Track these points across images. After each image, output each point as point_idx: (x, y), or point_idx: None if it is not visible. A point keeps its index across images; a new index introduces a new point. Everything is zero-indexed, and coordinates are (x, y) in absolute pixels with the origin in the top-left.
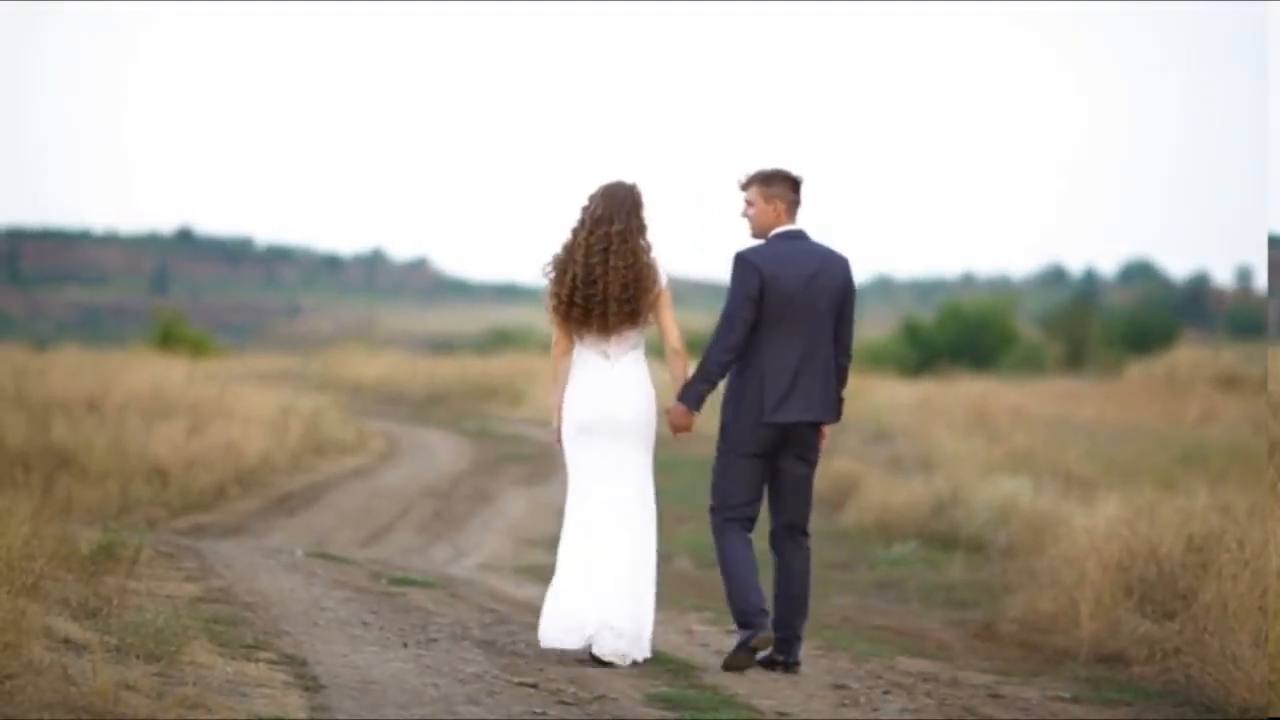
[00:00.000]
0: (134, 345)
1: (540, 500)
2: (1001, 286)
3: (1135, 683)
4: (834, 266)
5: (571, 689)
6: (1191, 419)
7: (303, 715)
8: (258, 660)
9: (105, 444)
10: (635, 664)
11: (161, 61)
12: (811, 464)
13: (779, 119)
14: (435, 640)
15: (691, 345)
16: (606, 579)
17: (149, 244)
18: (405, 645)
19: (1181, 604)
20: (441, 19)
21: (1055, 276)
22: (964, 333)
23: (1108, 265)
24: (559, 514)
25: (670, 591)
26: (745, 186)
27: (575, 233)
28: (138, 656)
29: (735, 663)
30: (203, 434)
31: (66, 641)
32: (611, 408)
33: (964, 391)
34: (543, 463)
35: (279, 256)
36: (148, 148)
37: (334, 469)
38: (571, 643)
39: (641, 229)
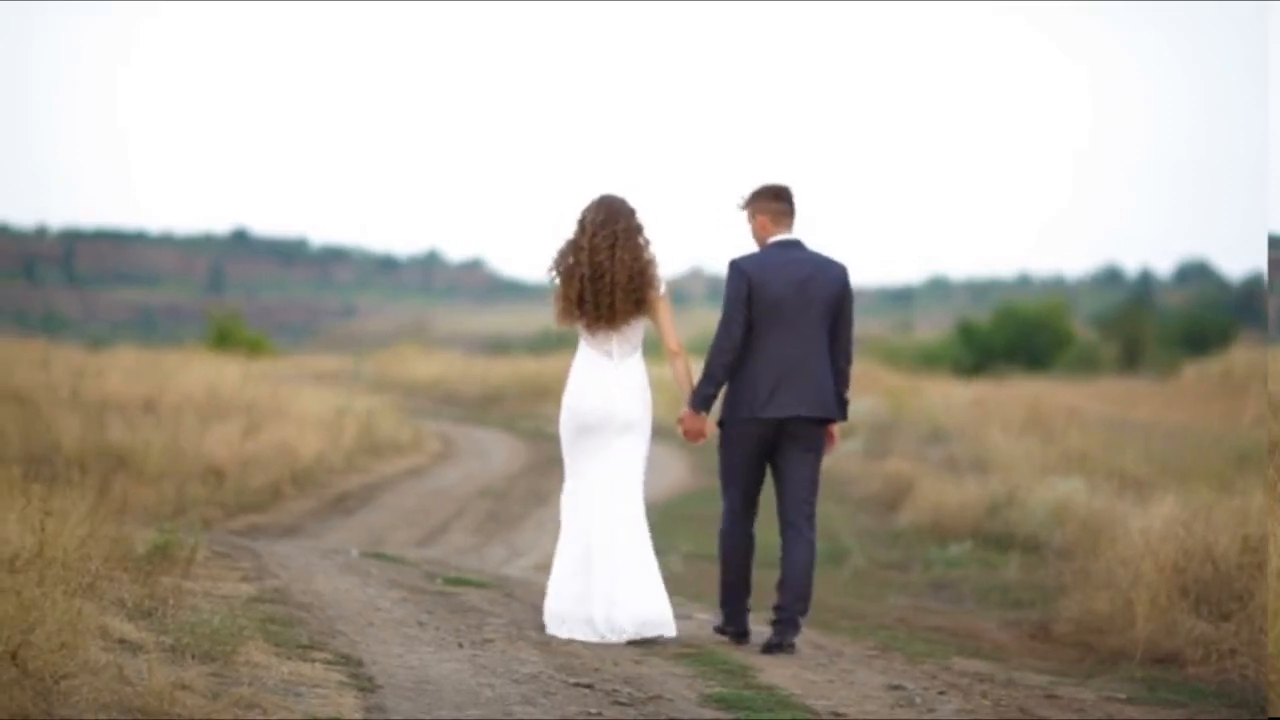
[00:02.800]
0: (189, 345)
1: None
2: (1057, 287)
3: (1191, 683)
4: (827, 274)
5: (627, 689)
6: (1248, 419)
7: (358, 715)
8: (313, 660)
9: (161, 444)
10: (649, 640)
11: (219, 62)
12: (812, 459)
13: (835, 122)
14: (490, 640)
15: None
16: (611, 569)
17: (204, 244)
18: (460, 645)
19: (1237, 605)
20: (498, 18)
21: (1111, 277)
22: (1019, 333)
23: (1164, 265)
24: None
25: None
26: (742, 207)
27: (577, 240)
28: (193, 656)
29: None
30: (258, 434)
31: (122, 641)
32: (612, 404)
33: (1019, 392)
34: None
35: (334, 257)
36: (203, 148)
37: (389, 469)
38: (580, 633)
39: (640, 229)
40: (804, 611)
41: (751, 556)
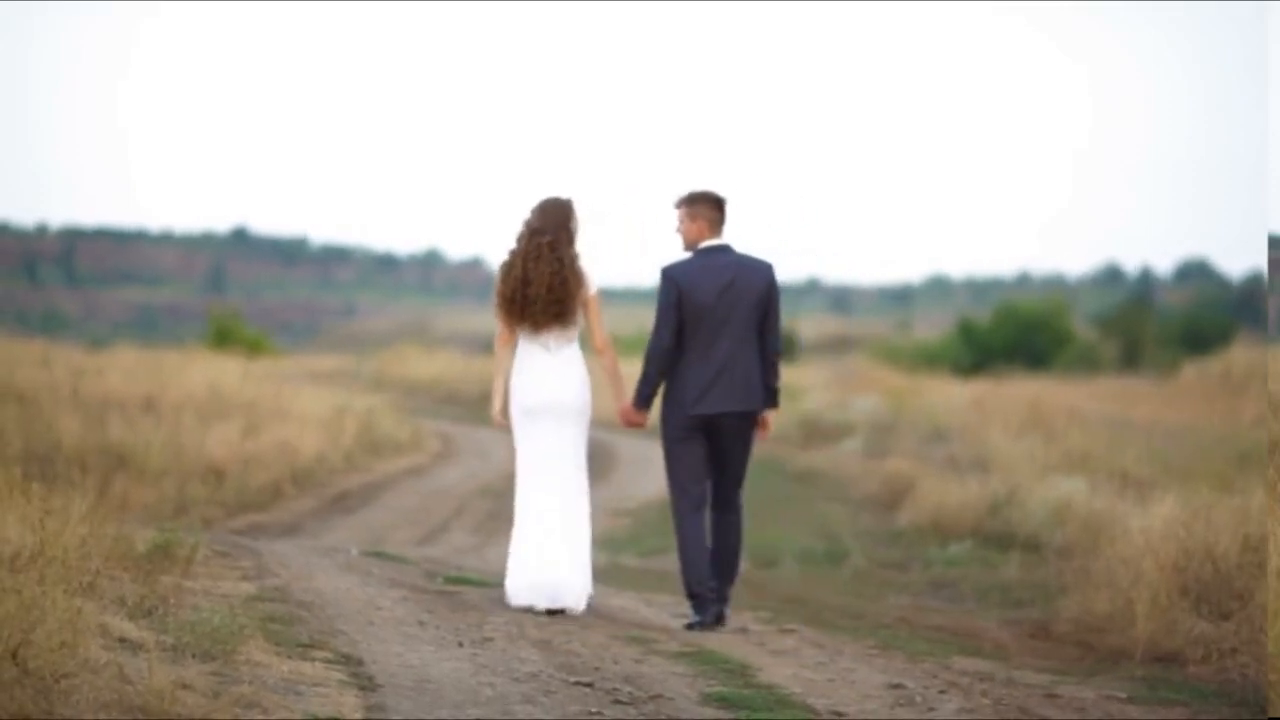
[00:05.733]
0: (190, 345)
1: (595, 500)
2: (1057, 286)
3: (1191, 683)
4: (752, 275)
5: (627, 688)
6: (1248, 419)
7: (358, 714)
8: (313, 659)
9: (161, 443)
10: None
11: (219, 62)
12: (743, 448)
13: (836, 122)
14: (490, 639)
15: None
16: (557, 545)
17: (205, 243)
18: (461, 644)
19: (1238, 604)
20: (497, 18)
21: (1111, 276)
22: (1019, 333)
23: (1164, 265)
24: (614, 514)
25: None
26: (677, 206)
27: (518, 241)
28: (194, 655)
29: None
30: (258, 433)
31: (122, 640)
32: (553, 392)
33: (1019, 391)
34: (597, 462)
35: (334, 256)
36: (203, 148)
37: (389, 468)
38: (539, 601)
39: (570, 239)
40: (731, 582)
41: (706, 544)
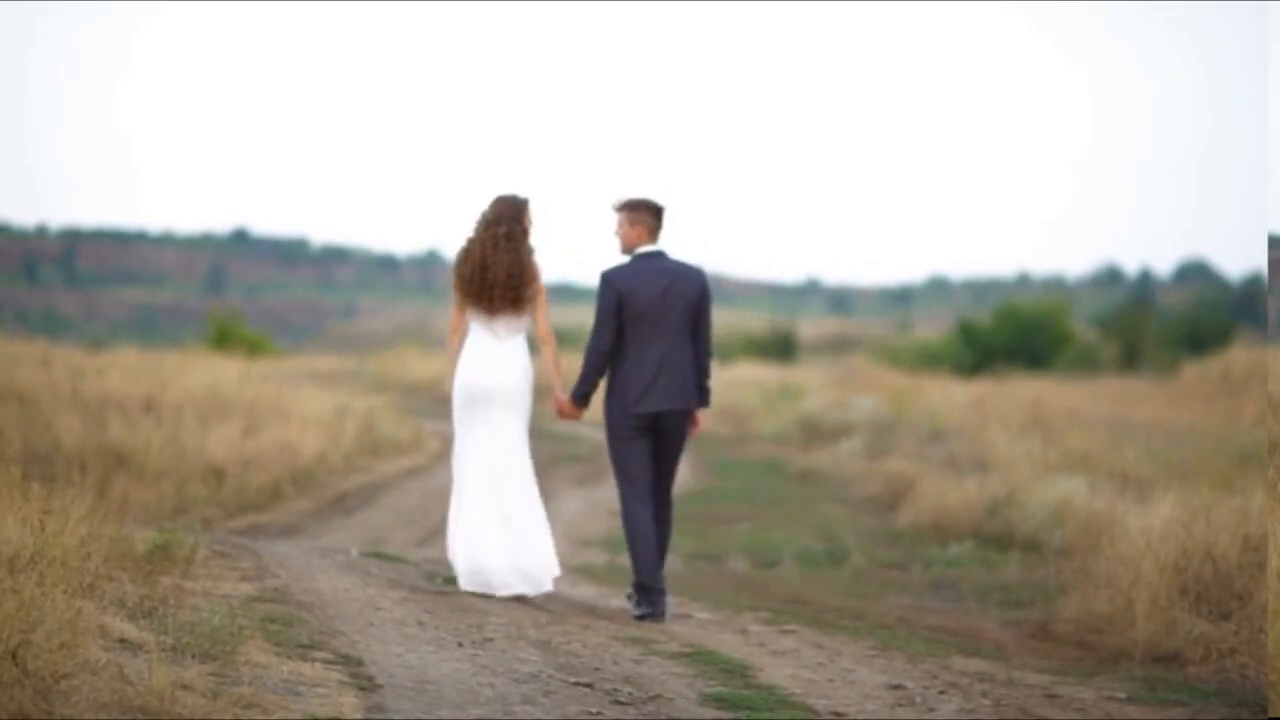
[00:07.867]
0: (190, 345)
1: (595, 500)
2: (1057, 287)
3: (1191, 683)
4: (686, 280)
5: (627, 689)
6: (1248, 419)
7: (358, 715)
8: (313, 660)
9: (161, 444)
10: (518, 596)
11: (219, 62)
12: (679, 444)
13: (836, 123)
14: (490, 640)
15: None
16: (507, 532)
17: (205, 244)
18: (460, 645)
19: (1238, 604)
20: (497, 18)
21: (1111, 276)
22: (1019, 333)
23: (1163, 265)
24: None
25: (726, 591)
26: (617, 210)
27: (476, 230)
28: (193, 656)
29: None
30: (258, 434)
31: (122, 641)
32: (497, 378)
33: (1019, 392)
34: (598, 463)
35: (334, 257)
36: (204, 148)
37: (389, 469)
38: (479, 587)
39: (524, 233)
40: (661, 578)
41: (654, 539)
